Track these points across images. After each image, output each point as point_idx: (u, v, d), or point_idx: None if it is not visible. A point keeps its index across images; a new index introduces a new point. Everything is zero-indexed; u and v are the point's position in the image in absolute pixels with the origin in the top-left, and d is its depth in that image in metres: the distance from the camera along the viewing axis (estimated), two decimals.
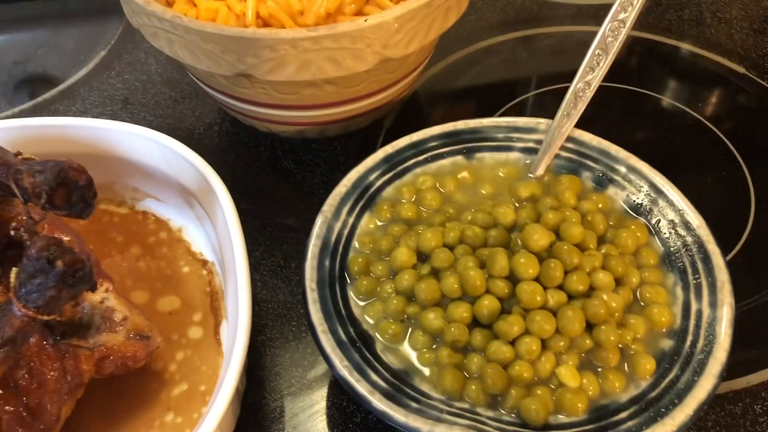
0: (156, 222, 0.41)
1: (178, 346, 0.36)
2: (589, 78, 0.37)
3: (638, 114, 0.48)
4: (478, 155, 0.37)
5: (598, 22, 0.54)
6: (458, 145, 0.37)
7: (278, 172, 0.45)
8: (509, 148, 0.37)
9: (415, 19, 0.36)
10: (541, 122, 0.37)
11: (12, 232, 0.30)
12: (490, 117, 0.38)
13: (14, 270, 0.27)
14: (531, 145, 0.37)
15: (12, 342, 0.26)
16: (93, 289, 0.29)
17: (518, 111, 0.48)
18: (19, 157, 0.31)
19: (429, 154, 0.37)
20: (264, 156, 0.46)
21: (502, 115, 0.47)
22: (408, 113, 0.48)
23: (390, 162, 0.37)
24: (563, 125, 0.36)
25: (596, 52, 0.37)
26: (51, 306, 0.27)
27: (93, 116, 0.48)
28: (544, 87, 0.49)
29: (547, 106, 0.48)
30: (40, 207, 0.30)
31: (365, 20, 0.35)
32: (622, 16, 0.36)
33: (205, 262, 0.39)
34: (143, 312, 0.35)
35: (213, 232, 0.39)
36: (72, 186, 0.30)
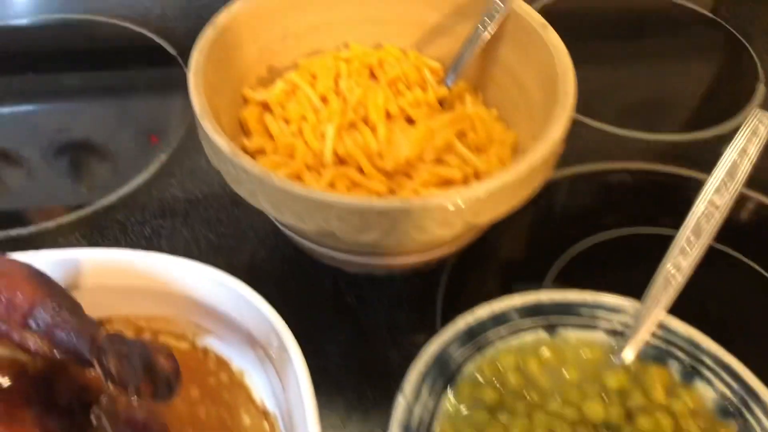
0: (217, 362, 0.40)
1: None
2: (680, 262, 0.36)
3: (719, 278, 0.47)
4: (562, 331, 0.36)
5: (667, 161, 0.54)
6: (541, 318, 0.36)
7: (340, 308, 0.44)
8: (594, 327, 0.36)
9: (508, 189, 0.36)
10: (628, 304, 0.36)
11: (93, 417, 0.29)
12: (575, 289, 0.37)
13: None
14: (617, 326, 0.36)
15: None
16: None
17: (590, 254, 0.46)
18: (103, 331, 0.30)
19: (510, 327, 0.36)
20: (327, 289, 0.45)
21: (574, 259, 0.46)
22: (472, 250, 0.47)
23: (470, 334, 0.35)
24: (652, 312, 0.35)
25: (688, 236, 0.36)
26: None
27: (152, 228, 0.47)
28: (617, 229, 0.48)
29: (621, 252, 0.47)
30: (123, 394, 0.29)
31: (458, 194, 0.34)
32: (716, 200, 0.36)
33: (266, 414, 0.38)
34: None
35: (276, 379, 0.38)
36: (159, 374, 0.29)
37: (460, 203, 0.34)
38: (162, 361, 0.28)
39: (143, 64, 0.61)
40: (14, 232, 0.47)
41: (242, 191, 0.37)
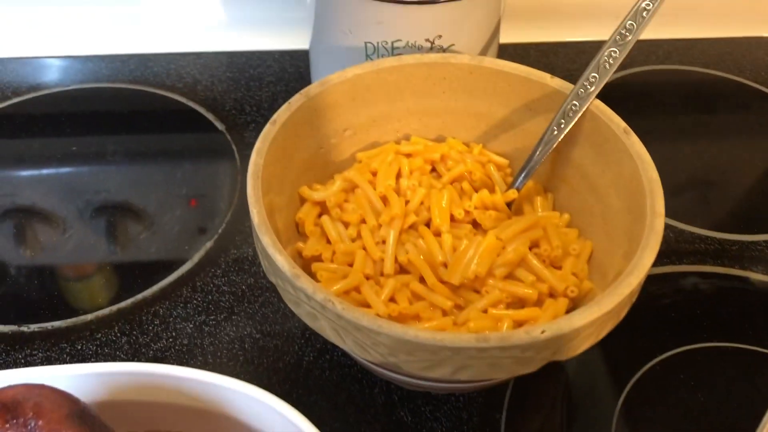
0: None
1: None
2: None
3: None
4: None
5: (744, 264, 0.50)
6: None
7: (394, 425, 0.41)
8: None
9: (595, 325, 0.32)
10: None
11: None
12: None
13: None
14: None
15: None
16: None
17: (668, 370, 0.43)
18: None
19: None
20: (378, 401, 0.42)
21: (648, 375, 0.43)
22: None
23: None
24: None
25: None
26: None
27: (195, 324, 0.45)
28: (696, 344, 0.44)
29: (702, 368, 0.43)
30: None
31: (542, 332, 0.31)
32: None
33: None
34: None
35: None
36: None
37: (542, 341, 0.31)
38: None
39: (188, 135, 0.59)
40: (49, 324, 0.44)
41: (301, 312, 0.34)
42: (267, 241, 0.34)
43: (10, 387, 0.30)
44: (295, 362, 0.43)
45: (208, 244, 0.49)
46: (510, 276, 0.38)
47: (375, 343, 0.32)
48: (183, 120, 0.59)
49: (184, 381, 0.36)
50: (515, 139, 0.45)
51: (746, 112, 0.64)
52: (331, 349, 0.44)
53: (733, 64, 0.67)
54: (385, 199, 0.41)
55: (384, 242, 0.39)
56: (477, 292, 0.38)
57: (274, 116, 0.40)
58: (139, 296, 0.46)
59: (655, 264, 0.47)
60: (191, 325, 0.45)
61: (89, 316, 0.45)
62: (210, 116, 0.58)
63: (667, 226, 0.52)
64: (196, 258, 0.48)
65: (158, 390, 0.36)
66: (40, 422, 0.28)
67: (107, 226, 0.52)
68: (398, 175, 0.43)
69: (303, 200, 0.42)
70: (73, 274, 0.49)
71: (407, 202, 0.41)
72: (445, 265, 0.38)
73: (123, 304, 0.46)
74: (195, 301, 0.46)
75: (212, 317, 0.45)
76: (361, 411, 0.41)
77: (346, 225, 0.40)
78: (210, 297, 0.46)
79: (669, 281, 0.49)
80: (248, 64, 0.64)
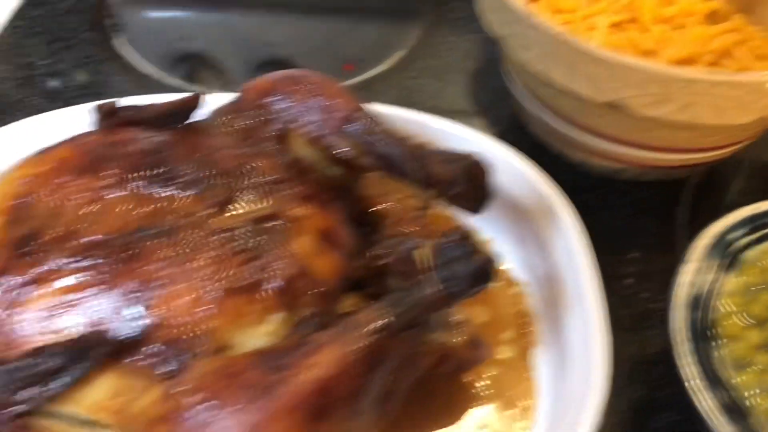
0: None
1: (487, 362, 0.35)
2: None
3: None
4: None
5: None
6: None
7: (579, 209, 0.43)
8: None
9: None
10: None
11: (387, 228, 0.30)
12: None
13: (429, 246, 0.26)
14: None
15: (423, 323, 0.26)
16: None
17: None
18: (417, 143, 0.31)
19: None
20: (566, 188, 0.44)
21: None
22: (719, 171, 0.45)
23: (753, 223, 0.34)
24: None
25: None
26: (459, 297, 0.26)
27: None
28: None
29: None
30: (438, 197, 0.30)
31: None
32: None
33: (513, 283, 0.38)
34: None
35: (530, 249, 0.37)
36: (475, 182, 0.29)
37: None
38: (480, 172, 0.29)
39: None
40: None
41: (530, 55, 0.37)
42: None
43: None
44: None
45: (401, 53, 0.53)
46: (714, 64, 0.39)
47: (610, 78, 0.34)
48: None
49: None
50: None
51: None
52: (521, 142, 0.46)
53: None
54: None
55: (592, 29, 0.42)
56: None
57: None
58: None
59: None
60: None
61: None
62: None
63: None
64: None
65: None
66: (321, 88, 0.32)
67: None
68: None
69: None
70: None
71: None
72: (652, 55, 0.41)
73: None
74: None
75: None
76: None
77: (558, 13, 0.43)
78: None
79: None
80: None
